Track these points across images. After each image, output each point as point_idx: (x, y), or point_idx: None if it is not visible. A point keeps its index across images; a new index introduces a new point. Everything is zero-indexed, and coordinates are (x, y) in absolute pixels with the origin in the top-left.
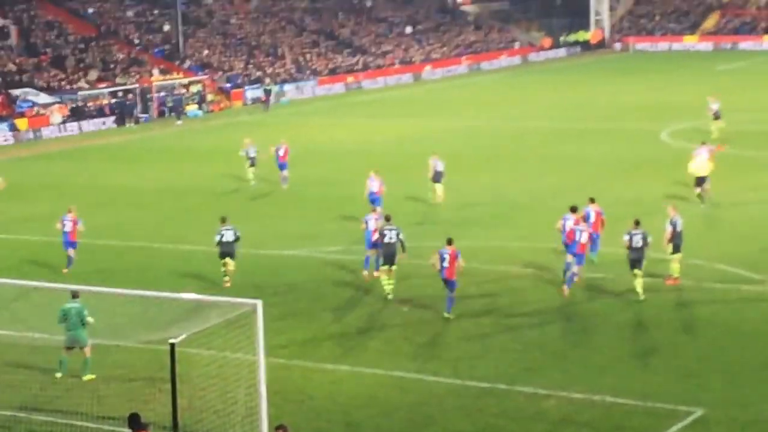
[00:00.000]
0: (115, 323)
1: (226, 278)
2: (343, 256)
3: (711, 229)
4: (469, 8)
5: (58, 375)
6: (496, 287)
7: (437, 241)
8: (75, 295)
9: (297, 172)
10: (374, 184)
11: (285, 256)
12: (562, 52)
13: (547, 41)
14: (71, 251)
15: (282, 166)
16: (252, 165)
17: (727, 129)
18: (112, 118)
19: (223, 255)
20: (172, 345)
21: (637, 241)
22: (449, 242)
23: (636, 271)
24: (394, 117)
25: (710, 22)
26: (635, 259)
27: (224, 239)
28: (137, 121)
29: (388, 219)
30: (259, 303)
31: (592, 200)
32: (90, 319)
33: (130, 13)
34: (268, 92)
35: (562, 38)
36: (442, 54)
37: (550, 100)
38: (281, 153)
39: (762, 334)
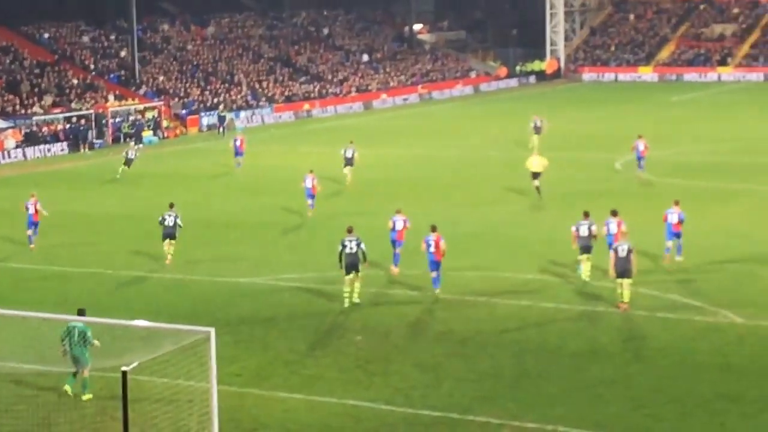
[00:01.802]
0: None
1: (169, 257)
2: (298, 284)
3: (663, 260)
4: (425, 37)
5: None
6: (451, 316)
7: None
8: (81, 312)
9: (251, 200)
10: (308, 182)
11: (240, 283)
12: (517, 81)
13: (504, 70)
14: (31, 231)
15: (238, 153)
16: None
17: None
18: (67, 143)
19: (164, 236)
20: (124, 372)
21: (584, 231)
22: (433, 229)
23: (585, 255)
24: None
25: (665, 54)
26: (584, 246)
27: (166, 223)
28: (92, 147)
29: (349, 230)
30: (212, 331)
31: (614, 213)
32: (96, 342)
33: (85, 39)
34: (222, 119)
35: (518, 68)
36: (399, 82)
37: (505, 130)
38: (238, 143)
39: (714, 366)
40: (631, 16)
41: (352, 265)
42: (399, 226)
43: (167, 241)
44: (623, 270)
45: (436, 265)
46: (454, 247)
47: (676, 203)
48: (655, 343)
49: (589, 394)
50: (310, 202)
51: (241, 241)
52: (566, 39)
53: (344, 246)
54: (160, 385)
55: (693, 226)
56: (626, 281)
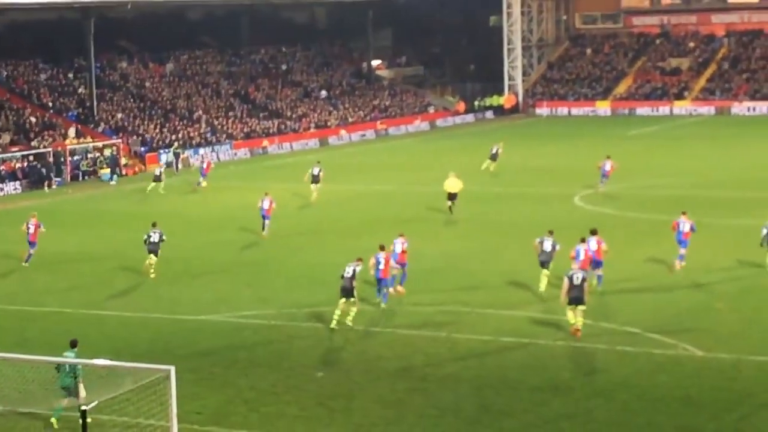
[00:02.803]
0: (26, 390)
1: (152, 271)
2: (258, 321)
3: (624, 293)
4: (383, 73)
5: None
6: (411, 351)
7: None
8: (73, 344)
9: (210, 237)
10: (265, 203)
11: (200, 320)
12: (476, 116)
13: (462, 106)
14: (32, 250)
15: (202, 174)
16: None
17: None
18: (25, 182)
19: (149, 251)
20: (84, 411)
21: (547, 246)
22: (381, 248)
23: (545, 271)
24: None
25: (622, 88)
26: (544, 261)
27: (151, 240)
28: (50, 186)
29: (359, 258)
30: (172, 369)
31: (593, 232)
32: (80, 384)
33: (43, 77)
34: (177, 155)
35: (476, 103)
36: (357, 118)
37: (464, 164)
38: (205, 165)
39: (673, 399)
40: (588, 51)
41: (343, 289)
42: (398, 248)
43: (151, 255)
44: (577, 297)
45: (382, 283)
46: (414, 282)
47: (684, 213)
48: (614, 377)
49: (549, 429)
50: (265, 222)
51: (201, 278)
52: (524, 74)
53: (344, 270)
54: (120, 424)
55: (650, 259)
56: (580, 308)
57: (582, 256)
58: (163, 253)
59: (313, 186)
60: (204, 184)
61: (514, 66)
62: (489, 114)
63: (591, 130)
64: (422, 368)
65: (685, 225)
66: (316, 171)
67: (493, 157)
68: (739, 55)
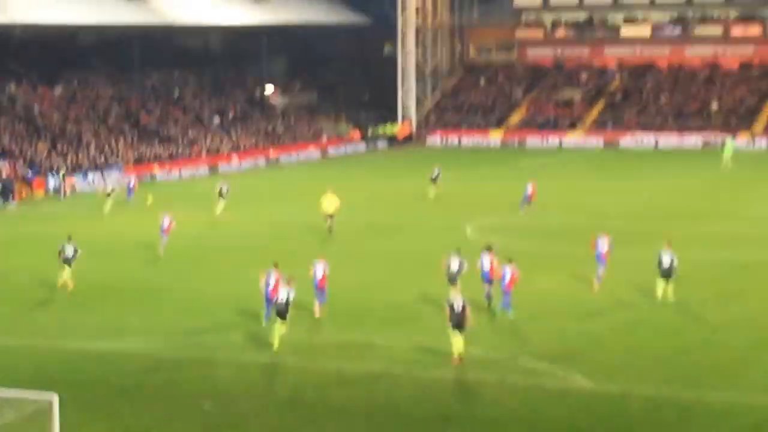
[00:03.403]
0: None
1: (69, 282)
2: (145, 350)
3: (516, 323)
4: (277, 100)
5: None
6: (301, 380)
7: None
8: None
9: (97, 263)
10: (165, 221)
11: (84, 349)
12: (370, 145)
13: (356, 134)
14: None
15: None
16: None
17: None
18: None
19: (62, 263)
20: None
21: (454, 266)
22: (275, 265)
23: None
24: (197, 209)
25: (516, 118)
26: (452, 278)
27: (66, 253)
28: None
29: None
30: (55, 397)
31: (488, 248)
32: None
33: None
34: (63, 180)
35: (369, 131)
36: (249, 145)
37: (356, 194)
38: (132, 184)
39: (561, 431)
40: (483, 81)
41: (278, 312)
42: (319, 273)
43: (66, 268)
44: (457, 323)
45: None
46: (305, 313)
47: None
48: (505, 409)
49: None
50: (162, 240)
51: (87, 306)
52: (418, 103)
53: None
54: None
55: (542, 289)
56: (460, 335)
57: (487, 267)
58: (48, 278)
59: (219, 201)
60: (132, 200)
61: (408, 95)
62: (382, 143)
63: (484, 160)
64: (311, 398)
65: (604, 245)
66: (224, 188)
67: (434, 180)
68: (631, 88)
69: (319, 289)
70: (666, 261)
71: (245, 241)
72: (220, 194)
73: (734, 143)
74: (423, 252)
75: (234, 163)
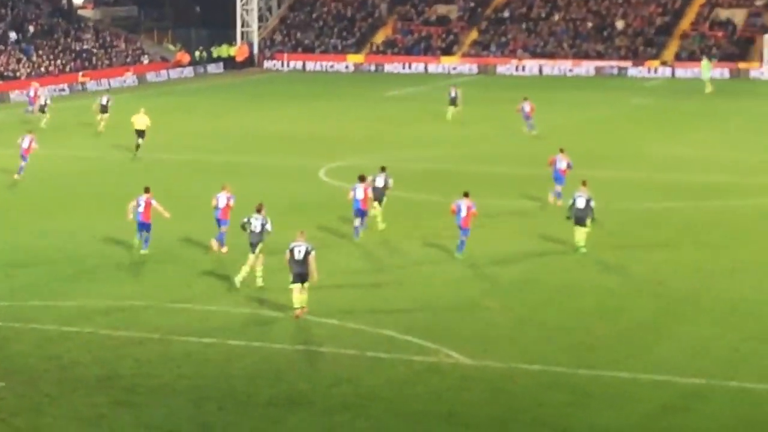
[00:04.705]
0: None
1: None
2: None
3: (378, 287)
4: (89, 13)
5: None
6: (115, 356)
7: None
8: None
9: None
10: (25, 142)
11: None
12: (197, 70)
13: (185, 56)
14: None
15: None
16: None
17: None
18: None
19: None
20: None
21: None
22: (146, 190)
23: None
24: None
25: (379, 39)
26: (298, 273)
27: None
28: None
29: (258, 209)
30: None
31: (466, 194)
32: None
33: None
34: None
35: (197, 53)
36: (55, 68)
37: (185, 127)
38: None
39: (433, 415)
40: None
41: (251, 244)
42: (222, 203)
43: None
44: (300, 273)
45: (145, 226)
46: (115, 273)
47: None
48: (364, 388)
49: None
50: (22, 164)
51: None
52: (261, 20)
53: (249, 223)
54: None
55: (409, 253)
56: (305, 285)
57: (464, 213)
58: None
59: (101, 116)
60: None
61: (248, 9)
62: (215, 67)
63: (341, 89)
64: (129, 377)
65: (562, 162)
66: (104, 101)
67: (453, 102)
68: (518, 3)
69: (221, 219)
70: (581, 203)
71: (48, 186)
72: (104, 109)
73: (710, 64)
74: (270, 201)
75: (37, 89)
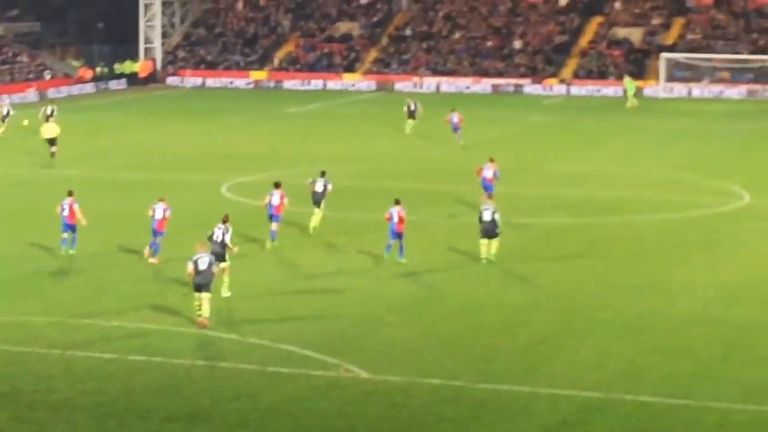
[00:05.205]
0: None
1: None
2: None
3: (280, 303)
4: None
5: None
6: (16, 371)
7: None
8: None
9: None
10: None
11: None
12: (104, 85)
13: (87, 72)
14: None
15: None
16: None
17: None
18: None
19: None
20: None
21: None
22: (70, 194)
23: (317, 210)
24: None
25: (281, 55)
26: (317, 200)
27: None
28: None
29: (224, 220)
30: None
31: (397, 201)
32: None
33: None
34: None
35: (99, 69)
36: None
37: (85, 145)
38: None
39: (332, 429)
40: (240, 5)
41: (215, 255)
42: (159, 215)
43: None
44: (201, 283)
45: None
46: (21, 288)
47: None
48: (263, 403)
49: None
50: None
51: None
52: (164, 36)
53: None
54: None
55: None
56: (205, 295)
57: (396, 219)
58: None
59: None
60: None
61: (151, 25)
62: (117, 83)
63: (243, 105)
64: (30, 393)
65: (489, 171)
66: (49, 111)
67: (411, 115)
68: (419, 21)
69: (158, 231)
70: (487, 216)
71: None
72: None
73: (633, 82)
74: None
75: None
